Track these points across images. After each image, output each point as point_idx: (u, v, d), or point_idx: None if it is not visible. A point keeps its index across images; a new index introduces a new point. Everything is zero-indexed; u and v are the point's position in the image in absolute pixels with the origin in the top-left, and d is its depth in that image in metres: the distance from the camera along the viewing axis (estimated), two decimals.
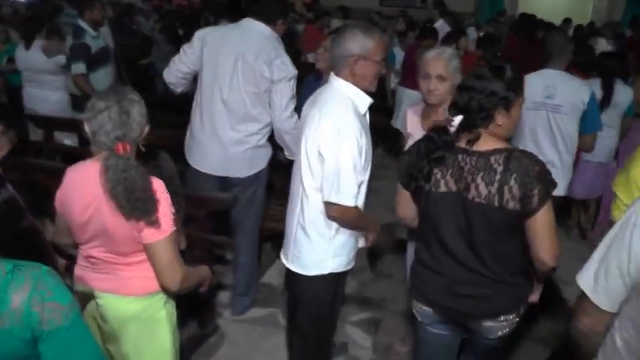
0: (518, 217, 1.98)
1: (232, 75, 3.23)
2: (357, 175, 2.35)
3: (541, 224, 1.98)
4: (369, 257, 4.34)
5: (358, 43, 2.35)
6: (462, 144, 2.03)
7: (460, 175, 2.02)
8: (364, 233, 2.67)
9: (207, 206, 3.17)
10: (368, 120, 2.52)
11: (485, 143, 2.01)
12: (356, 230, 2.58)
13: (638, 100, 4.63)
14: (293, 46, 3.46)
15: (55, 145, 4.77)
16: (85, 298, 2.13)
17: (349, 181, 2.33)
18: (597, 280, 1.51)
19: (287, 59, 3.29)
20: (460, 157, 2.03)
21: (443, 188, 2.07)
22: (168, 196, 2.00)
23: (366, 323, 3.74)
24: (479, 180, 1.98)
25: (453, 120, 2.00)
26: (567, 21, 9.65)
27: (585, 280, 1.55)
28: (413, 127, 2.97)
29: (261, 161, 3.48)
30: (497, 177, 1.94)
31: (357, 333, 3.63)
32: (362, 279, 4.19)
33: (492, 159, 1.97)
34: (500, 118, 2.00)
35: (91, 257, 2.08)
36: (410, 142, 2.87)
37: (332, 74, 2.47)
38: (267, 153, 3.51)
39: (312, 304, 2.67)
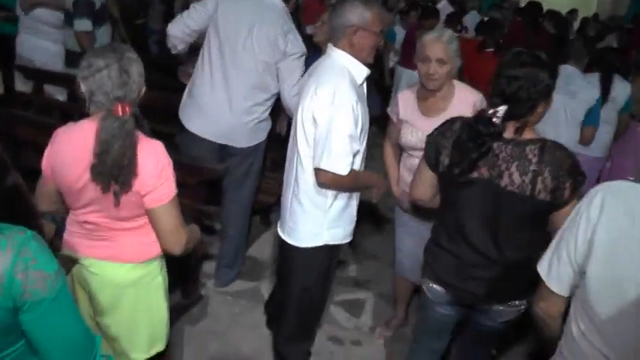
0: (547, 208, 1.99)
1: (246, 42, 3.15)
2: (353, 144, 2.34)
3: (568, 216, 1.98)
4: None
5: (358, 14, 2.37)
6: (507, 134, 2.00)
7: (494, 163, 2.01)
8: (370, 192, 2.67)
9: (199, 175, 3.09)
10: (365, 91, 2.52)
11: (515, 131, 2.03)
12: (355, 192, 2.58)
13: (636, 98, 4.59)
14: (296, 18, 3.37)
15: (45, 99, 4.63)
16: (71, 263, 2.05)
17: (342, 147, 2.32)
18: (551, 266, 1.61)
19: (299, 36, 3.25)
20: (495, 144, 2.00)
21: (474, 174, 2.04)
22: (170, 160, 1.95)
23: (349, 304, 3.70)
24: (513, 169, 1.98)
25: (498, 110, 1.96)
26: (573, 12, 9.52)
27: (542, 266, 1.65)
28: (408, 113, 2.88)
29: (262, 133, 3.43)
30: (532, 167, 1.95)
31: (340, 313, 3.60)
32: (348, 259, 4.15)
33: (528, 149, 1.97)
34: (541, 107, 2.01)
35: (87, 223, 2.00)
36: (407, 130, 2.83)
37: (330, 45, 2.47)
38: (267, 126, 3.46)
39: (306, 278, 2.67)
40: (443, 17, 6.58)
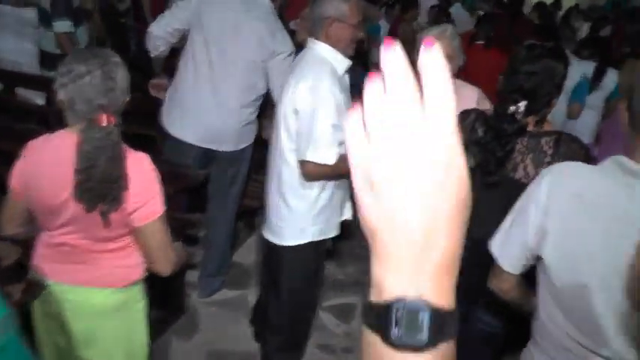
0: None
1: (233, 40, 3.03)
2: (337, 134, 2.32)
3: None
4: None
5: (334, 6, 2.38)
6: (528, 128, 2.01)
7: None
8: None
9: (179, 182, 2.96)
10: (348, 82, 2.51)
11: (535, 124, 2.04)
12: (346, 177, 2.49)
13: (622, 88, 4.69)
14: (281, 15, 3.26)
15: (17, 102, 4.43)
16: (39, 290, 1.89)
17: (326, 137, 2.30)
18: (503, 246, 1.64)
19: (287, 34, 3.15)
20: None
21: None
22: (158, 173, 1.82)
23: (338, 309, 3.60)
24: (528, 161, 1.98)
25: (519, 106, 1.96)
26: (557, 3, 9.44)
27: (494, 245, 1.68)
28: None
29: (249, 136, 3.31)
30: (547, 159, 1.95)
31: (329, 319, 3.50)
32: (335, 261, 4.02)
33: (543, 141, 1.97)
34: (556, 98, 2.03)
35: (63, 245, 1.84)
36: None
37: (310, 38, 2.47)
38: (255, 128, 3.34)
39: (295, 278, 2.62)
40: (426, 9, 6.57)
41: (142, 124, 3.78)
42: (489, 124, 2.03)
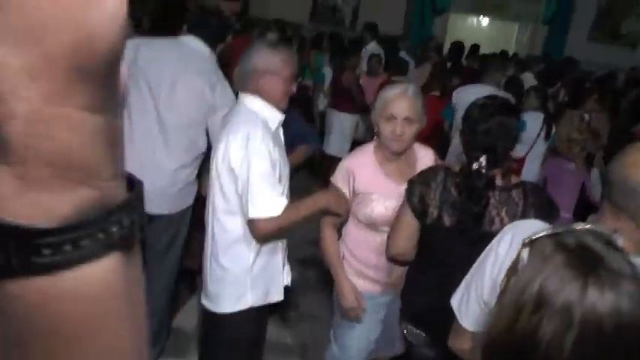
0: None
1: (170, 96, 2.82)
2: (276, 186, 2.17)
3: None
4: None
5: (263, 59, 2.25)
6: (497, 181, 2.07)
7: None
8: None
9: None
10: (282, 137, 2.38)
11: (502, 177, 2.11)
12: (305, 222, 2.33)
13: (561, 137, 5.03)
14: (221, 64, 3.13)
15: None
16: None
17: (265, 189, 2.14)
18: (462, 302, 1.64)
19: (228, 86, 2.94)
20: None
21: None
22: None
23: None
24: (503, 214, 2.03)
25: (481, 162, 2.02)
26: (503, 53, 9.64)
27: (455, 301, 1.67)
28: (372, 184, 2.46)
29: (188, 198, 3.08)
30: (520, 209, 2.02)
31: None
32: (281, 321, 3.81)
33: (514, 193, 2.05)
34: (513, 149, 2.12)
35: None
36: (376, 203, 2.44)
37: (240, 92, 2.33)
38: (195, 189, 3.12)
39: (234, 349, 2.42)
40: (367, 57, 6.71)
41: None
42: (460, 184, 2.07)
